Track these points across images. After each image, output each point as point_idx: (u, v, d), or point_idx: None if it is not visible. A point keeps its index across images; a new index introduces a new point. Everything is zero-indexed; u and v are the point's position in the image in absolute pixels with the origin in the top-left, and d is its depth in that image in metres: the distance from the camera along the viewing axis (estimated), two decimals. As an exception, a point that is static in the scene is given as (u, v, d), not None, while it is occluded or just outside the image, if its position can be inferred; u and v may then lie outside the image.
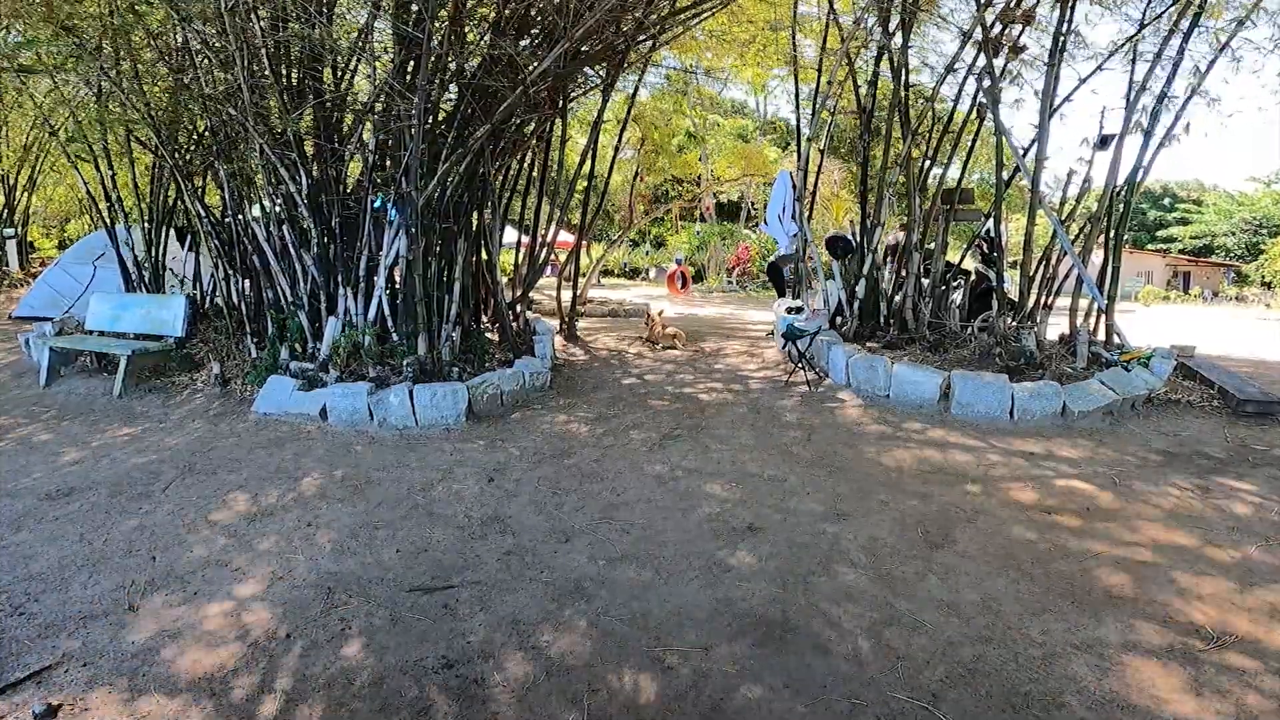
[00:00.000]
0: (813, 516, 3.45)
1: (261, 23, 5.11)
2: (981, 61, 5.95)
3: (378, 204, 5.68)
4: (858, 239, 7.05)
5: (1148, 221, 33.60)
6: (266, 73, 5.21)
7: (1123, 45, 5.81)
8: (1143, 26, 5.69)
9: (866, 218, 6.92)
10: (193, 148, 6.56)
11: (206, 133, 6.05)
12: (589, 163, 8.01)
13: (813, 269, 7.65)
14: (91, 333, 6.53)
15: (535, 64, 5.29)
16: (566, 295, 8.48)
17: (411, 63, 5.34)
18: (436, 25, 5.02)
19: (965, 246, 7.22)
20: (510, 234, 9.24)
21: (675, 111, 13.17)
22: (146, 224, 7.30)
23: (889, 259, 7.32)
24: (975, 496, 3.69)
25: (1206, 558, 3.03)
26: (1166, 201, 34.69)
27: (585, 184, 9.26)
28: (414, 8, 5.03)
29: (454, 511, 3.51)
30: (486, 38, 5.54)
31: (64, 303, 8.54)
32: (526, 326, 7.14)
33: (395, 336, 5.54)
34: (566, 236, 12.27)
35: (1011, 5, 5.67)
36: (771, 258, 11.33)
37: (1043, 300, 6.16)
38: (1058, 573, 2.90)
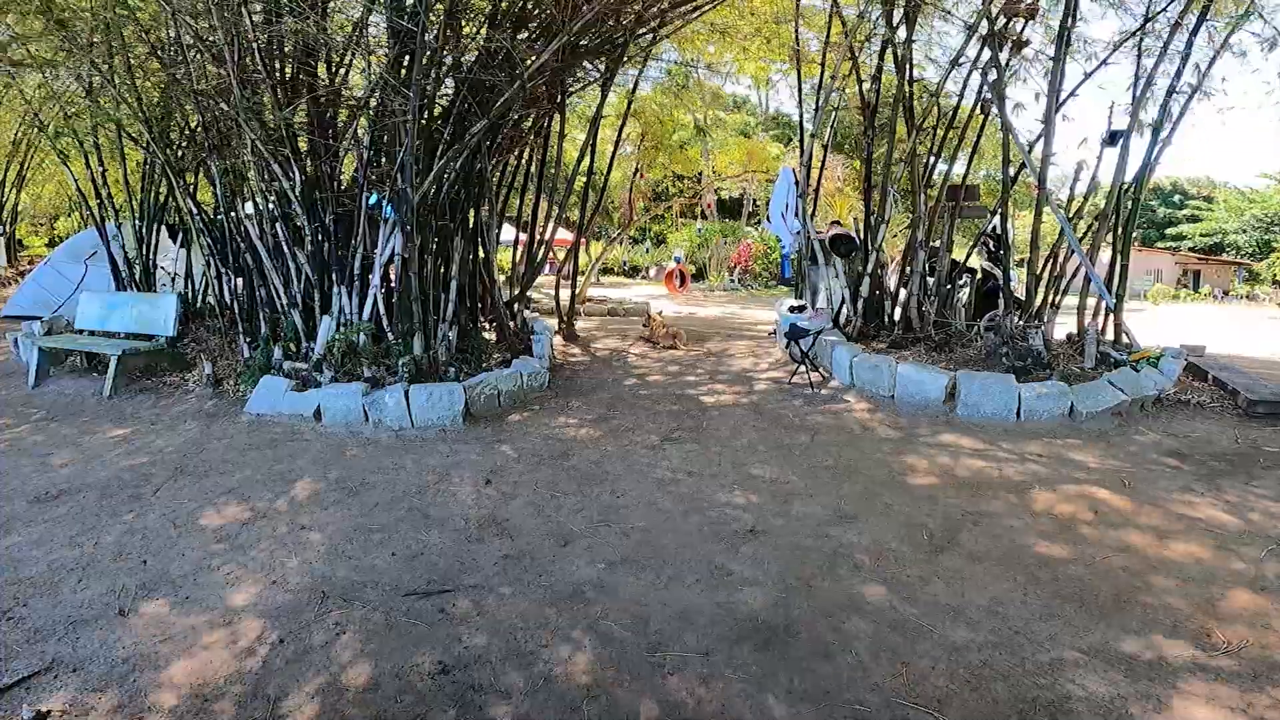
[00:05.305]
0: (816, 519, 3.39)
1: (254, 16, 5.04)
2: (986, 56, 5.89)
3: (373, 201, 5.61)
4: (862, 236, 6.99)
5: (1157, 219, 33.30)
6: (259, 67, 5.14)
7: (1127, 40, 5.75)
8: (1146, 21, 5.63)
9: (871, 214, 6.85)
10: (184, 144, 6.49)
11: (198, 128, 5.98)
12: (588, 159, 7.93)
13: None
14: (81, 332, 6.44)
15: (533, 58, 5.22)
16: (565, 294, 8.42)
17: (407, 57, 5.28)
18: (432, 19, 4.96)
19: (971, 244, 7.15)
20: (508, 231, 9.18)
21: (676, 106, 13.05)
22: (137, 221, 7.23)
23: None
24: (981, 499, 3.63)
25: (1217, 562, 2.97)
26: (1176, 199, 34.31)
27: (584, 180, 9.17)
28: (409, 1, 4.96)
29: (450, 514, 3.45)
30: (483, 31, 5.47)
31: (53, 302, 8.46)
32: (524, 326, 7.08)
33: (391, 336, 5.47)
34: (565, 234, 12.21)
35: (1015, -1, 5.60)
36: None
37: (1050, 299, 6.10)
38: (1066, 577, 2.85)
